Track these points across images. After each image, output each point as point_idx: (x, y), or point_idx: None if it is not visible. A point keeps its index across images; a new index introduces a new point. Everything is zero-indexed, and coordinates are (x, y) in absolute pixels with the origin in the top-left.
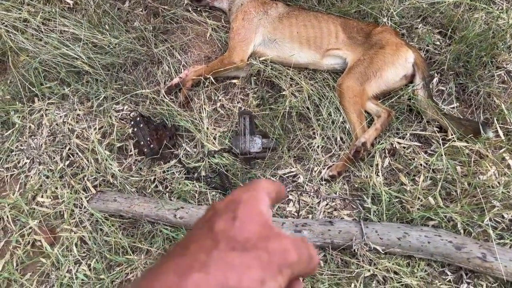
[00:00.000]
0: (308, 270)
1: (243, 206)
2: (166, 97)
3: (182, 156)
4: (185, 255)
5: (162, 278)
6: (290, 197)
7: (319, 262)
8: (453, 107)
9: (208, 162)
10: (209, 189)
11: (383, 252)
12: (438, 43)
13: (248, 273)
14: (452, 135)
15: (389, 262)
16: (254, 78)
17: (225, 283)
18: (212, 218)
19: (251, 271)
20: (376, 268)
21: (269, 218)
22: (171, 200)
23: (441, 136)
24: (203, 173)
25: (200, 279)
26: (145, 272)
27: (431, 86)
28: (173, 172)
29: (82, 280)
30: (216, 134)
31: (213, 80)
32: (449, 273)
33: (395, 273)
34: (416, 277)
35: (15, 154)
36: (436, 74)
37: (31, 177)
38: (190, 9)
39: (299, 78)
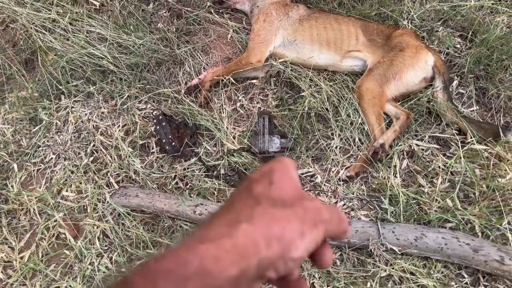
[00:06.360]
0: (339, 231)
1: (277, 173)
2: (186, 97)
3: (202, 154)
4: (232, 211)
5: (214, 228)
6: None
7: (349, 229)
8: (473, 110)
9: (228, 160)
10: (228, 187)
11: (399, 253)
12: (458, 46)
13: (289, 225)
14: (471, 138)
15: (406, 263)
16: (274, 79)
17: (269, 233)
18: (250, 185)
19: (291, 223)
20: (393, 269)
21: (299, 183)
22: (191, 196)
23: (460, 139)
24: (222, 171)
25: (248, 228)
26: (198, 227)
27: (450, 89)
28: (193, 170)
29: (104, 272)
30: (235, 134)
31: (233, 81)
32: (466, 275)
33: (412, 273)
34: (433, 278)
35: (42, 150)
36: (456, 77)
37: (57, 172)
38: (213, 11)
39: (319, 79)
